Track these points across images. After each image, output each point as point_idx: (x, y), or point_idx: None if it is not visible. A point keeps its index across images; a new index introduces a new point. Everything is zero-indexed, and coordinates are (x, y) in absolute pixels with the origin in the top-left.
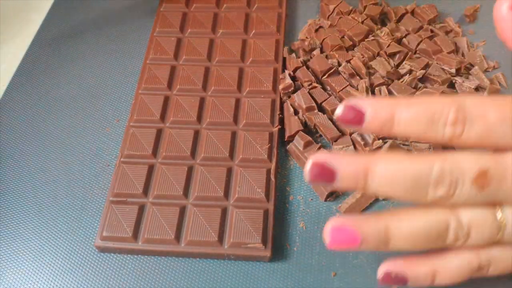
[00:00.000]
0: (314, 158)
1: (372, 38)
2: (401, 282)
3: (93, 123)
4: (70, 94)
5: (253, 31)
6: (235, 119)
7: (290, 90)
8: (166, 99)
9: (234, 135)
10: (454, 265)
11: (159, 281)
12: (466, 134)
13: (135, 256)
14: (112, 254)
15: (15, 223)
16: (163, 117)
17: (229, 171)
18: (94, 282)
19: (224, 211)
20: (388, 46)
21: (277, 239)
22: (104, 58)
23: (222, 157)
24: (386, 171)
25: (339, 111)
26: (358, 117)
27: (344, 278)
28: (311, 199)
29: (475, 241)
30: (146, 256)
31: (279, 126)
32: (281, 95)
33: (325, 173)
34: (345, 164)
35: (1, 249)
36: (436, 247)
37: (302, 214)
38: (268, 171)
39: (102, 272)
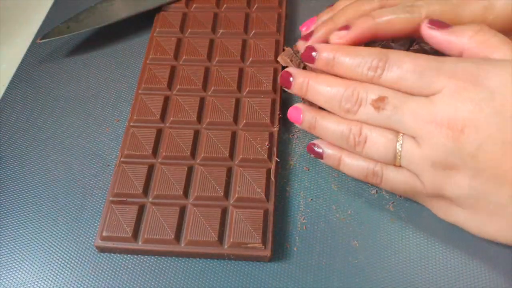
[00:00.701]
0: (287, 69)
1: None
2: (319, 156)
3: (93, 123)
4: (70, 94)
5: (253, 31)
6: (235, 119)
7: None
8: (166, 99)
9: (234, 135)
10: (355, 162)
11: (159, 281)
12: (382, 77)
13: (135, 256)
14: (112, 254)
15: (15, 223)
16: (163, 117)
17: (229, 171)
18: (94, 282)
19: (224, 211)
20: None
21: (277, 239)
22: (104, 58)
23: (222, 157)
24: (317, 86)
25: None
26: (308, 55)
27: (344, 278)
28: (311, 199)
29: (371, 153)
30: (146, 256)
31: (279, 126)
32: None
33: (286, 80)
34: (297, 75)
35: (1, 249)
36: (342, 145)
37: (302, 214)
38: (268, 171)
39: (102, 272)
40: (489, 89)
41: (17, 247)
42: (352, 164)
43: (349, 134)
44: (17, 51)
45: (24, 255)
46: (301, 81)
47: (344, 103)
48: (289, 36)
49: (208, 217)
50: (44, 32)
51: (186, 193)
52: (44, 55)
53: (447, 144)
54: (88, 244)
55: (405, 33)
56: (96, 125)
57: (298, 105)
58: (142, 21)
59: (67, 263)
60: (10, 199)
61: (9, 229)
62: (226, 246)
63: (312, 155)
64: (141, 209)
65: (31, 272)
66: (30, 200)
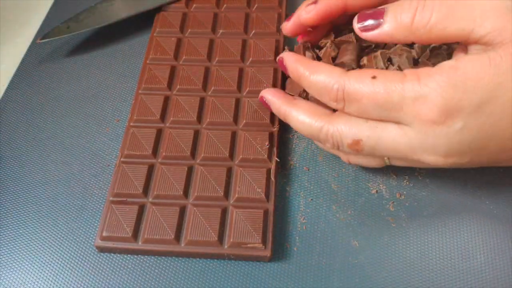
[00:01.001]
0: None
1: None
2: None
3: (93, 123)
4: (70, 94)
5: (253, 31)
6: (235, 119)
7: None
8: (166, 99)
9: (234, 135)
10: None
11: (159, 281)
12: (347, 109)
13: (135, 256)
14: (112, 254)
15: (14, 223)
16: (163, 117)
17: (229, 171)
18: (93, 282)
19: (224, 211)
20: None
21: (277, 239)
22: (104, 58)
23: (222, 157)
24: (295, 115)
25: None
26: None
27: (344, 278)
28: (311, 199)
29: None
30: (146, 256)
31: (279, 126)
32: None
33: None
34: (276, 100)
35: (1, 249)
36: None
37: (302, 214)
38: (268, 171)
39: (101, 272)
40: (458, 119)
41: (17, 247)
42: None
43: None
44: (17, 51)
45: (24, 255)
46: (282, 108)
47: (323, 141)
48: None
49: (208, 217)
50: (44, 32)
51: (186, 193)
52: (44, 55)
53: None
54: (88, 244)
55: (375, 4)
56: (96, 125)
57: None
58: (142, 21)
59: (67, 263)
60: (10, 199)
61: (9, 229)
62: (226, 246)
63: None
64: (141, 209)
65: (31, 272)
66: (30, 200)
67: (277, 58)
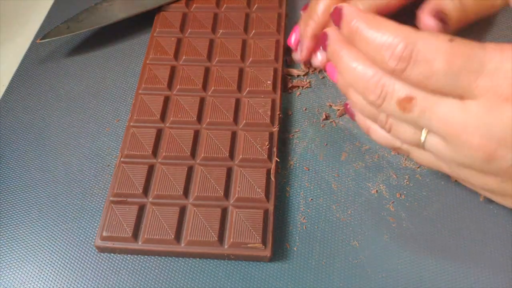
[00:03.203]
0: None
1: None
2: (351, 116)
3: (93, 123)
4: (70, 94)
5: (253, 31)
6: (235, 119)
7: None
8: (166, 99)
9: (234, 135)
10: (383, 133)
11: (159, 281)
12: (407, 72)
13: (135, 256)
14: (112, 254)
15: (14, 223)
16: (163, 117)
17: (229, 171)
18: (93, 282)
19: (224, 211)
20: None
21: (277, 239)
22: (104, 58)
23: (222, 157)
24: (346, 59)
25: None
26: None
27: (345, 278)
28: (311, 199)
29: (397, 137)
30: (146, 256)
31: (279, 126)
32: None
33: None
34: (332, 40)
35: (0, 249)
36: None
37: (302, 214)
38: (268, 171)
39: (102, 272)
40: None
41: (17, 247)
42: (381, 134)
43: (377, 117)
44: (17, 51)
45: (24, 255)
46: (334, 48)
47: (369, 95)
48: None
49: (208, 217)
50: (44, 32)
51: (186, 193)
52: (44, 55)
53: (477, 159)
54: (88, 244)
55: None
56: (96, 125)
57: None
58: (142, 21)
59: (67, 263)
60: (10, 198)
61: (9, 229)
62: (226, 246)
63: (346, 114)
64: (141, 209)
65: (31, 272)
66: (30, 200)
67: (333, 8)
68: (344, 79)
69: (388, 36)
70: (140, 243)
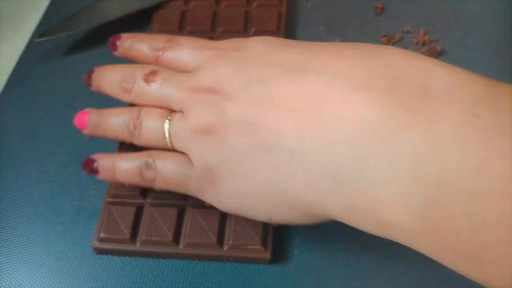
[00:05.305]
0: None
1: None
2: (95, 172)
3: None
4: (68, 93)
5: (253, 30)
6: None
7: None
8: None
9: None
10: (127, 163)
11: (157, 283)
12: (164, 56)
13: (133, 258)
14: (109, 256)
15: (11, 224)
16: None
17: None
18: (91, 284)
19: (224, 213)
20: None
21: (277, 241)
22: (102, 56)
23: None
24: (105, 73)
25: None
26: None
27: (345, 280)
28: None
29: (145, 137)
30: (144, 258)
31: None
32: None
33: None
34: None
35: None
36: (124, 135)
37: None
38: None
39: (99, 274)
40: (241, 50)
41: (14, 249)
42: (125, 166)
43: (129, 120)
44: (15, 50)
45: (20, 256)
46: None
47: (123, 83)
48: (289, 34)
49: (207, 218)
50: (42, 30)
51: (184, 194)
52: (41, 54)
53: (204, 106)
54: (85, 245)
55: None
56: None
57: (87, 109)
58: (140, 20)
59: (64, 264)
60: (6, 199)
61: (5, 230)
62: (225, 248)
63: (87, 172)
64: (139, 210)
65: (28, 274)
66: (27, 201)
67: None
68: (105, 87)
69: (154, 39)
70: (138, 244)
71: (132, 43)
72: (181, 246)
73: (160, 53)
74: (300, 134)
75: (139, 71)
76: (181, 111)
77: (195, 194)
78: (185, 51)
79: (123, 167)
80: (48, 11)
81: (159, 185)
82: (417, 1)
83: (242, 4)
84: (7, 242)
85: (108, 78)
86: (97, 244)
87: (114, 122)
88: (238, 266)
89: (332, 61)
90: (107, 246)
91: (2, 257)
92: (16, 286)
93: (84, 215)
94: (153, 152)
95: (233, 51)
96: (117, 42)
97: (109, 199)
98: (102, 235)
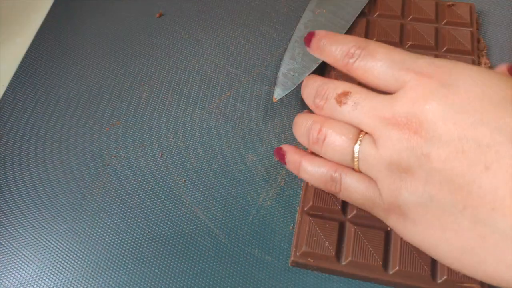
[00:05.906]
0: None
1: None
2: (282, 160)
3: (93, 123)
4: (70, 94)
5: (445, 48)
6: None
7: None
8: None
9: None
10: (314, 168)
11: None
12: (356, 65)
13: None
14: (108, 256)
15: (14, 223)
16: None
17: None
18: (92, 282)
19: None
20: None
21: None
22: (104, 58)
23: None
24: (304, 85)
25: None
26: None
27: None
28: None
29: (329, 152)
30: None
31: None
32: None
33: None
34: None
35: (0, 249)
36: (305, 141)
37: None
38: None
39: (99, 273)
40: (453, 86)
41: (16, 247)
42: (310, 170)
43: (310, 129)
44: (17, 51)
45: (23, 255)
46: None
47: (316, 99)
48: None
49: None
50: (44, 32)
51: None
52: (44, 55)
53: (402, 142)
54: (88, 244)
55: None
56: (96, 125)
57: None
58: (141, 21)
59: (66, 263)
60: (10, 199)
61: (8, 229)
62: (438, 281)
63: (276, 158)
64: (342, 227)
65: (30, 273)
66: (29, 200)
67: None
68: (305, 98)
69: (346, 42)
70: (343, 263)
71: (324, 44)
72: (390, 272)
73: (351, 61)
74: None
75: (332, 90)
76: (371, 134)
77: (378, 216)
78: (379, 64)
79: (308, 169)
80: (51, 12)
81: (340, 197)
82: None
83: (430, 19)
84: (10, 241)
85: (305, 92)
86: (297, 258)
87: (300, 128)
88: None
89: None
90: (311, 262)
91: (4, 255)
92: (18, 284)
93: (86, 214)
94: (340, 168)
95: (440, 84)
96: (312, 39)
97: (307, 210)
98: (305, 248)
